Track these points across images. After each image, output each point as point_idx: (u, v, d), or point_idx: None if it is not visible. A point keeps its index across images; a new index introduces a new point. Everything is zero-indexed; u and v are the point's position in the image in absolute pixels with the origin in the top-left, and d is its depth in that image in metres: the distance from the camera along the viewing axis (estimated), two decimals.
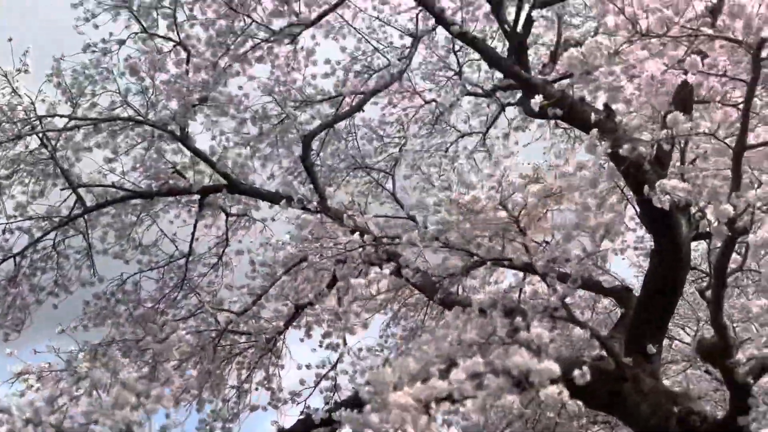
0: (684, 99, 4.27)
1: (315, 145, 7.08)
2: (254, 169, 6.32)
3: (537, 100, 3.72)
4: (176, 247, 6.77)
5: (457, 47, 7.75)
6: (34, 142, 6.38)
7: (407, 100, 8.09)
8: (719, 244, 3.72)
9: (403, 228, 6.12)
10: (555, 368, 2.97)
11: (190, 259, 6.87)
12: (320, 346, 7.31)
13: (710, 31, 2.69)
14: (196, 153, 5.93)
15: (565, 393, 2.93)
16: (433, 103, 7.98)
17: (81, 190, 6.07)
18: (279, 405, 7.12)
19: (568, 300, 8.03)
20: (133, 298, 6.71)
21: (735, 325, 4.64)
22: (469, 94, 7.62)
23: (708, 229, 3.90)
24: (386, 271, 4.72)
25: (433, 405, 3.37)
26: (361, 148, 7.62)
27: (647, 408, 4.40)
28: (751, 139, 3.44)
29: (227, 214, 6.85)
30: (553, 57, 6.26)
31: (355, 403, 4.25)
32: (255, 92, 6.33)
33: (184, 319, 6.91)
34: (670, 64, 2.97)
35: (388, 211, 7.57)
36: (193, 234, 6.57)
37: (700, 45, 2.82)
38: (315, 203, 5.35)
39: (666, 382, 7.00)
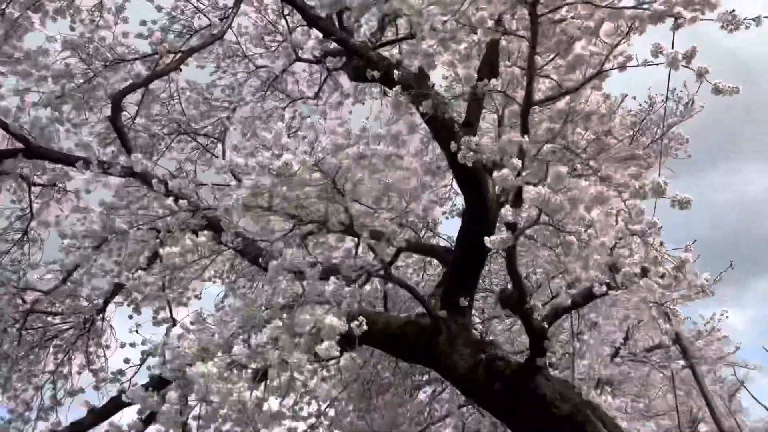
0: (491, 61, 4.47)
1: (132, 110, 6.62)
2: (59, 133, 5.73)
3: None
4: None
5: (286, 11, 7.57)
6: None
7: (237, 65, 7.81)
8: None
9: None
10: (338, 323, 3.01)
11: None
12: (153, 322, 6.97)
13: None
14: None
15: (335, 349, 3.00)
16: (265, 69, 7.78)
17: None
18: (101, 386, 6.66)
19: (400, 263, 8.27)
20: None
21: (537, 276, 5.00)
22: (300, 60, 7.49)
23: None
24: (202, 238, 4.50)
25: (235, 371, 3.29)
26: (186, 112, 7.23)
27: (458, 358, 4.63)
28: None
29: (30, 184, 6.21)
30: (381, 24, 6.32)
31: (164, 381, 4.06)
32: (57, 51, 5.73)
33: None
34: (461, 20, 3.04)
35: (223, 180, 7.29)
36: None
37: None
38: (120, 166, 4.96)
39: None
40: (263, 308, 3.63)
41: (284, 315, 3.42)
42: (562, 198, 3.56)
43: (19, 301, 6.15)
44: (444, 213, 8.31)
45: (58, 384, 6.74)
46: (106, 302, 6.78)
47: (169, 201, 4.76)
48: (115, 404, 4.91)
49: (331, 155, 4.35)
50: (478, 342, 4.77)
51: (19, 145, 5.47)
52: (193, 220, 4.94)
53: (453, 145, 3.63)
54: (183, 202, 4.83)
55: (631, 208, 3.34)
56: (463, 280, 4.93)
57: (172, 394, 3.26)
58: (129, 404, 4.91)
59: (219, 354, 3.12)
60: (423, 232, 7.98)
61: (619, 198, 3.99)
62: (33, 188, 6.34)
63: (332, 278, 4.03)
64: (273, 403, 8.41)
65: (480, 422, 8.87)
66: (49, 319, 6.79)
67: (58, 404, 6.53)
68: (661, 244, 3.39)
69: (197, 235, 4.73)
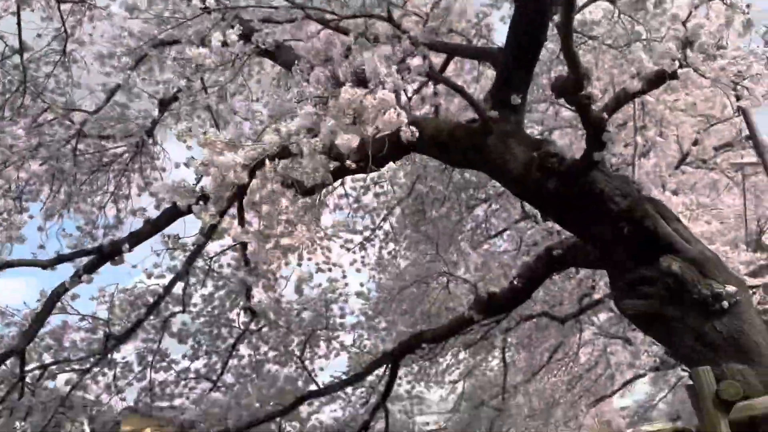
0: None
1: None
2: None
3: None
4: (5, 43, 5.91)
5: None
6: None
7: None
8: None
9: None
10: (390, 97, 2.73)
11: (27, 56, 6.04)
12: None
13: None
14: None
15: (403, 116, 2.74)
16: None
17: None
18: (161, 205, 6.86)
19: (452, 71, 7.80)
20: None
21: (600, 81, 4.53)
22: None
23: None
24: (232, 37, 4.20)
25: (267, 162, 3.15)
26: None
27: (510, 158, 4.37)
28: None
29: (58, 0, 5.94)
30: None
31: None
32: None
33: (37, 126, 6.27)
34: None
35: None
36: (19, 24, 5.68)
37: None
38: None
39: None
40: (296, 99, 3.40)
41: (319, 104, 3.18)
42: None
43: (69, 122, 6.17)
44: (502, 18, 7.64)
45: (120, 204, 6.98)
46: (154, 123, 6.76)
47: (195, 1, 4.43)
48: (169, 215, 4.99)
49: None
50: (531, 140, 4.46)
51: None
52: (224, 23, 4.63)
53: None
54: (211, 1, 4.48)
55: None
56: (514, 75, 4.50)
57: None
58: (184, 214, 5.00)
59: (249, 143, 2.95)
60: (476, 39, 7.40)
61: None
62: (62, 5, 6.08)
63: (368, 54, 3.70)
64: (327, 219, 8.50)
65: (542, 237, 8.82)
66: (103, 143, 6.86)
67: (120, 222, 6.80)
68: (748, 5, 2.87)
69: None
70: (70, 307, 6.31)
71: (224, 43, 4.80)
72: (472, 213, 9.63)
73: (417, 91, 7.47)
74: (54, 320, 6.27)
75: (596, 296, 10.18)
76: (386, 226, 8.63)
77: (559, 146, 4.33)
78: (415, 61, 4.83)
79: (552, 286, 9.74)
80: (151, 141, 6.87)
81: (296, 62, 4.36)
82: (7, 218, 5.17)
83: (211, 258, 7.00)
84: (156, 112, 6.77)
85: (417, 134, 4.77)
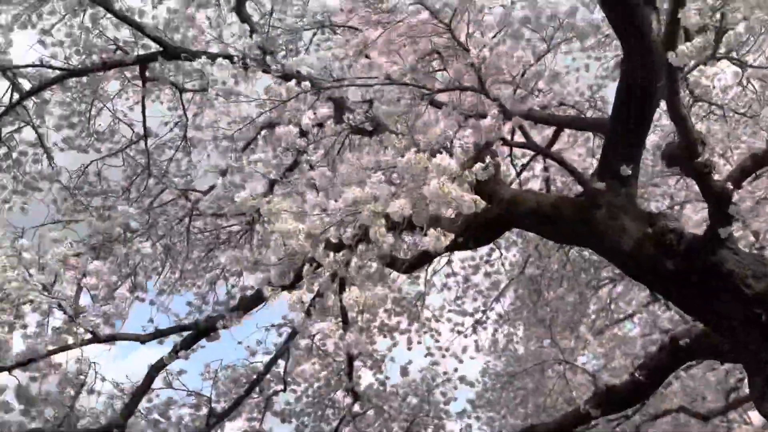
0: None
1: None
2: (195, 33, 5.74)
3: None
4: (132, 130, 6.40)
5: None
6: None
7: None
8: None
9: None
10: (453, 164, 2.49)
11: (150, 142, 6.51)
12: None
13: None
14: (123, 18, 5.38)
15: (454, 189, 2.47)
16: None
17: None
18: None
19: (566, 144, 7.42)
20: (98, 190, 6.46)
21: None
22: None
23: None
24: (323, 111, 4.20)
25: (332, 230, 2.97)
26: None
27: (620, 233, 3.92)
28: None
29: (180, 90, 6.38)
30: None
31: None
32: None
33: (161, 206, 6.65)
34: None
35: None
36: (143, 112, 6.15)
37: None
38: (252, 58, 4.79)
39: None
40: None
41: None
42: None
43: (184, 202, 6.49)
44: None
45: (231, 280, 7.16)
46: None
47: (291, 83, 4.52)
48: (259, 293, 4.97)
49: None
50: (644, 214, 3.99)
51: (157, 47, 5.56)
52: (317, 102, 4.69)
53: None
54: (306, 84, 4.55)
55: None
56: (623, 143, 4.10)
57: None
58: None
59: (316, 212, 2.82)
60: (590, 112, 7.05)
61: None
62: (185, 94, 6.53)
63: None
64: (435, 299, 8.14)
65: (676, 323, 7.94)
66: (218, 221, 7.14)
67: (231, 298, 6.94)
68: None
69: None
70: (179, 383, 6.41)
71: (320, 124, 4.91)
72: (596, 294, 8.93)
73: (526, 166, 7.18)
74: (163, 396, 6.39)
75: (747, 390, 8.88)
76: (498, 308, 8.17)
77: (677, 220, 3.82)
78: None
79: (689, 380, 8.68)
80: (261, 219, 7.06)
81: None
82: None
83: (313, 336, 6.92)
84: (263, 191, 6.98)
85: (514, 209, 4.52)
